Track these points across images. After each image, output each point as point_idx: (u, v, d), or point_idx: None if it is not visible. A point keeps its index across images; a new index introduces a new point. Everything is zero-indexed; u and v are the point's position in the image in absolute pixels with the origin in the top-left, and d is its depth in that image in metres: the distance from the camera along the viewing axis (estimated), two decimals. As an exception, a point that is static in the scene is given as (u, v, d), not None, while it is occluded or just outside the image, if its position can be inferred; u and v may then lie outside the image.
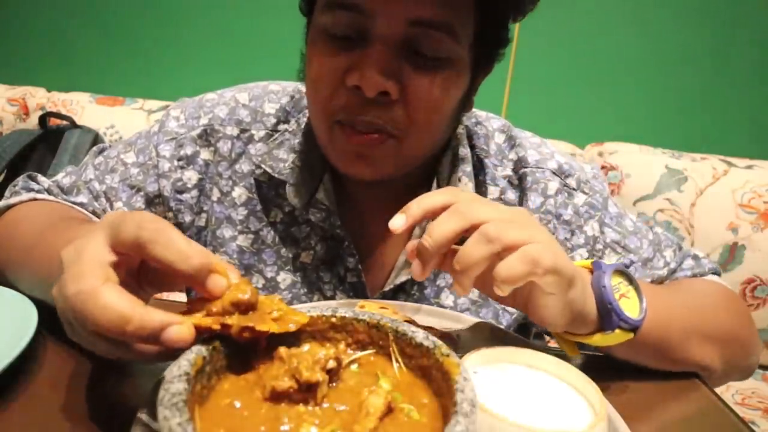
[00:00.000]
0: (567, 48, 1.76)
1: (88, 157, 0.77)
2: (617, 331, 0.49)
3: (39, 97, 1.81)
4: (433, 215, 0.46)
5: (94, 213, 0.71)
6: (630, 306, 0.50)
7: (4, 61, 2.00)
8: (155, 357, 0.37)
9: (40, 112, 1.70)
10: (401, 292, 0.71)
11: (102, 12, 1.92)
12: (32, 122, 1.76)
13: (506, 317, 0.72)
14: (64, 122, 1.65)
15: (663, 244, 0.75)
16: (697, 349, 0.59)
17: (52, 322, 0.54)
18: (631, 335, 0.50)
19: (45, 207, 0.68)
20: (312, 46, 0.61)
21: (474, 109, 0.75)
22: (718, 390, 0.57)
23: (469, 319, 0.60)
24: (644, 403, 0.54)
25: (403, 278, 0.69)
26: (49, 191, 0.72)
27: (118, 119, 1.72)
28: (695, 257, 0.74)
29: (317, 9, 0.61)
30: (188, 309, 0.38)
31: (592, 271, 0.51)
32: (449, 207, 0.45)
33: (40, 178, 0.74)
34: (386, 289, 0.70)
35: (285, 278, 0.72)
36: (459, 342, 0.53)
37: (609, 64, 1.75)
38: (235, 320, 0.36)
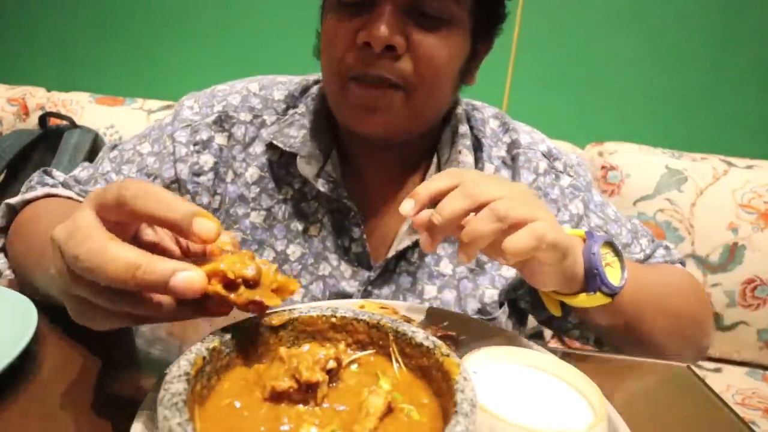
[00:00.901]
0: (567, 48, 1.76)
1: (102, 152, 0.80)
2: (598, 293, 0.55)
3: (39, 97, 1.80)
4: (440, 198, 0.49)
5: None
6: (612, 274, 0.56)
7: (4, 61, 2.00)
8: (162, 314, 0.36)
9: (40, 112, 1.70)
10: (403, 259, 0.74)
11: (102, 12, 1.92)
12: (32, 122, 1.76)
13: (501, 281, 0.75)
14: (64, 122, 1.65)
15: (640, 233, 0.82)
16: (663, 321, 0.68)
17: (52, 322, 0.54)
18: (609, 300, 0.56)
19: (63, 204, 0.69)
20: (326, 18, 0.68)
21: (470, 100, 0.81)
22: (717, 390, 0.57)
23: (469, 319, 0.60)
24: (644, 403, 0.54)
25: (404, 244, 0.72)
26: (64, 185, 0.74)
27: (117, 119, 1.72)
28: (666, 247, 0.82)
29: None
30: None
31: (584, 239, 0.57)
32: (456, 188, 0.48)
33: (55, 172, 0.76)
34: (389, 256, 0.72)
35: (294, 251, 0.75)
36: (459, 342, 0.53)
37: (609, 64, 1.75)
38: (242, 291, 0.36)
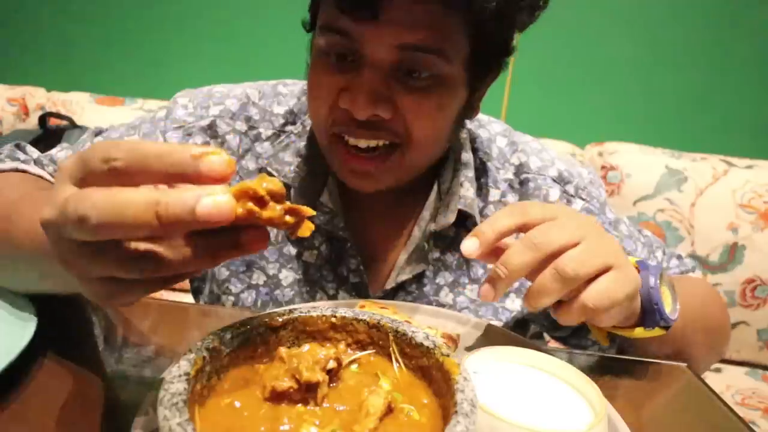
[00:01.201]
0: (567, 48, 1.76)
1: (86, 135, 0.75)
2: (656, 328, 0.53)
3: (39, 97, 1.81)
4: (506, 236, 0.47)
5: None
6: (666, 305, 0.53)
7: (4, 61, 2.00)
8: (190, 261, 0.31)
9: (40, 112, 1.70)
10: (402, 290, 0.72)
11: (102, 12, 1.92)
12: (32, 122, 1.76)
13: (505, 314, 0.73)
14: (64, 122, 1.65)
15: (654, 246, 0.78)
16: (702, 337, 0.66)
17: (52, 322, 0.54)
18: (664, 332, 0.54)
19: (26, 179, 0.64)
20: (312, 63, 0.63)
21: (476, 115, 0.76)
22: (717, 390, 0.57)
23: (469, 319, 0.60)
24: (644, 403, 0.54)
25: (403, 277, 0.71)
26: (37, 162, 0.68)
27: (117, 119, 1.70)
28: (679, 257, 0.79)
29: (316, 29, 0.62)
30: None
31: (637, 269, 0.53)
32: (522, 229, 0.47)
33: (29, 148, 0.70)
34: (387, 287, 0.71)
35: (287, 276, 0.73)
36: (459, 342, 0.53)
37: (609, 65, 1.75)
38: (273, 205, 0.32)
